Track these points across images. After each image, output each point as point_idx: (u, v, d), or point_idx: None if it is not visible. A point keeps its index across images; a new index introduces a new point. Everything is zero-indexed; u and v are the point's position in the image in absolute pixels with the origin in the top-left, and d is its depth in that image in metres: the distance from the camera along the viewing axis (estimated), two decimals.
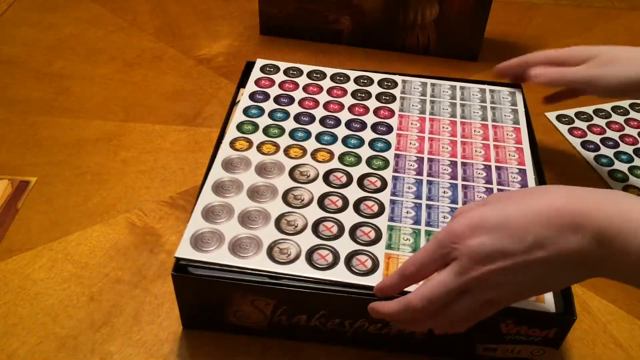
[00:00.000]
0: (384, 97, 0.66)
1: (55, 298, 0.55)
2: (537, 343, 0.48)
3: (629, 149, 0.74)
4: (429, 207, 0.54)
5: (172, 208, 0.64)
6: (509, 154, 0.60)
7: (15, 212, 0.62)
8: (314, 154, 0.58)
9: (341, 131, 0.61)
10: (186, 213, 0.62)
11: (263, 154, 0.58)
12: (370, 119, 0.63)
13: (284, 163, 0.57)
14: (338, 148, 0.59)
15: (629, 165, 0.71)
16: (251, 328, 0.51)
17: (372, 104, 0.65)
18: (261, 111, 0.63)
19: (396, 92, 0.67)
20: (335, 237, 0.50)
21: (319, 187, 0.55)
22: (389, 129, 0.62)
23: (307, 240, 0.50)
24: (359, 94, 0.67)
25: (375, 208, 0.53)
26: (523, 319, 0.46)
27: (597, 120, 0.79)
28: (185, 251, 0.48)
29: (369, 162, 0.58)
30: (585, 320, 0.55)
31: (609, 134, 0.76)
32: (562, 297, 0.47)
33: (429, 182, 0.56)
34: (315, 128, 0.61)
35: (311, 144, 0.59)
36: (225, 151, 0.58)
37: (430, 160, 0.59)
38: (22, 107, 0.76)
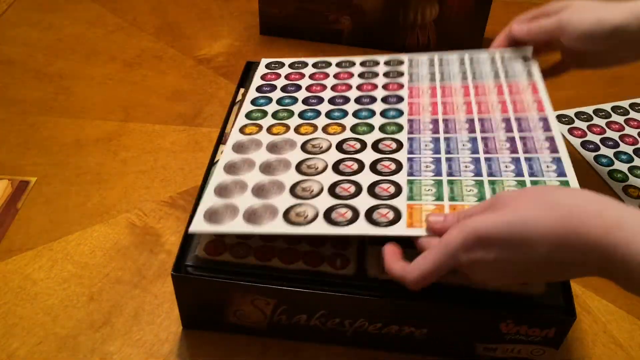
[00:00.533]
0: (391, 74, 0.64)
1: (55, 298, 0.55)
2: (537, 343, 0.48)
3: (629, 149, 0.74)
4: (448, 159, 0.51)
5: (172, 208, 0.64)
6: (528, 104, 0.57)
7: (15, 212, 0.62)
8: (325, 129, 0.57)
9: (351, 107, 0.60)
10: (186, 213, 0.62)
11: (273, 134, 0.57)
12: (379, 93, 0.62)
13: (296, 140, 0.56)
14: (349, 121, 0.58)
15: (628, 165, 0.71)
16: (251, 328, 0.51)
17: (380, 80, 0.64)
18: (269, 100, 0.62)
19: (403, 68, 0.66)
20: (353, 195, 0.49)
21: (332, 156, 0.53)
22: (400, 99, 0.60)
23: (325, 201, 0.48)
24: (365, 75, 0.65)
25: (393, 167, 0.51)
26: (523, 318, 0.46)
27: (597, 120, 0.79)
28: (199, 225, 0.47)
29: (382, 128, 0.56)
30: (585, 320, 0.55)
31: (609, 134, 0.76)
32: (562, 297, 0.47)
33: (447, 139, 0.54)
34: (324, 107, 0.60)
35: (321, 121, 0.58)
36: (235, 136, 0.57)
37: (445, 120, 0.56)
38: (22, 107, 0.76)
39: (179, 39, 0.90)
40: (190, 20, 0.95)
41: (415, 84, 0.62)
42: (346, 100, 0.61)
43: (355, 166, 0.52)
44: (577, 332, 0.54)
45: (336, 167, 0.52)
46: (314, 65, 0.68)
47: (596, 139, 0.76)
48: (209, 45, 0.89)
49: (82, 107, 0.77)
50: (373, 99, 0.61)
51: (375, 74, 0.65)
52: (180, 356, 0.51)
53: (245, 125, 0.58)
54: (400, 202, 0.47)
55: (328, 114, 0.59)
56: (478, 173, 0.49)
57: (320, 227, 0.46)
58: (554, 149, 0.51)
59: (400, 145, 0.54)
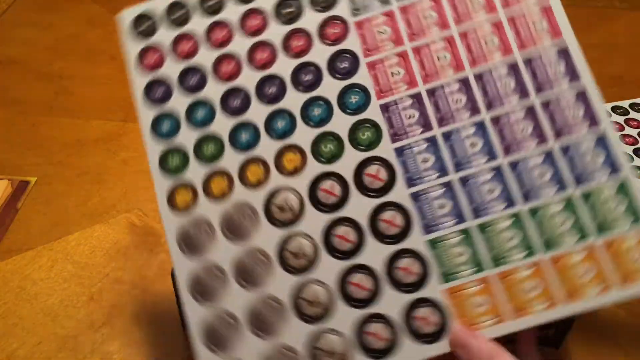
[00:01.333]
0: (322, 3, 0.42)
1: (55, 298, 0.55)
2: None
3: (629, 149, 0.74)
4: (463, 181, 0.37)
5: None
6: (534, 23, 0.39)
7: (15, 212, 0.62)
8: (279, 165, 0.39)
9: (292, 100, 0.40)
10: None
11: (217, 199, 0.40)
12: (319, 53, 0.41)
13: (251, 201, 0.39)
14: (303, 135, 0.40)
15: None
16: None
17: (309, 20, 0.41)
18: (174, 121, 0.42)
19: None
20: (373, 295, 0.37)
21: (314, 222, 0.39)
22: (353, 60, 0.40)
23: (344, 318, 0.37)
24: (283, 12, 0.42)
25: (398, 219, 0.38)
26: None
27: None
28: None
29: (352, 138, 0.39)
30: (585, 320, 0.55)
31: None
32: None
33: (446, 137, 0.38)
34: (256, 113, 0.41)
35: (266, 148, 0.40)
36: (170, 221, 0.40)
37: (431, 93, 0.39)
38: (22, 107, 0.76)
39: None
40: None
41: (362, 13, 0.41)
42: (279, 85, 0.41)
43: (350, 234, 0.38)
44: (577, 332, 0.54)
45: (330, 246, 0.38)
46: (202, 11, 0.43)
47: None
48: None
49: (82, 107, 0.77)
50: (316, 71, 0.41)
51: (299, 7, 0.42)
52: (180, 356, 0.51)
53: (172, 192, 0.41)
54: (433, 290, 0.36)
55: (268, 130, 0.40)
56: (509, 200, 0.37)
57: None
58: (592, 119, 0.37)
59: (389, 170, 0.39)
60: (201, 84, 0.42)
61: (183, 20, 0.44)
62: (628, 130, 0.78)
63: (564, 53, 0.38)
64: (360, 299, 0.37)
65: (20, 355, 0.50)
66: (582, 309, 0.35)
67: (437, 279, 0.36)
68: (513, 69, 0.38)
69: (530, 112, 0.38)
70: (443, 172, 0.38)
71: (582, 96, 0.37)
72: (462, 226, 0.37)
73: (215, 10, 0.43)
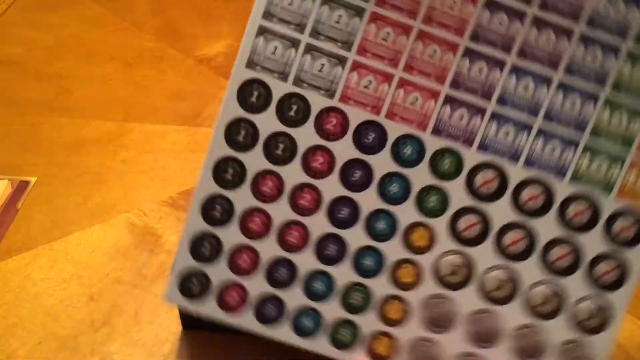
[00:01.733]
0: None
1: (55, 298, 0.55)
2: None
3: None
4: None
5: (172, 208, 0.64)
6: None
7: (15, 212, 0.62)
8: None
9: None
10: (186, 213, 0.62)
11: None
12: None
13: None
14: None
15: None
16: None
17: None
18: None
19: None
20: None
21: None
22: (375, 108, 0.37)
23: None
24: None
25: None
26: None
27: None
28: None
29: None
30: None
31: None
32: None
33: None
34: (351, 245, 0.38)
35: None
36: None
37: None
38: (22, 107, 0.76)
39: (179, 39, 0.90)
40: (190, 20, 0.95)
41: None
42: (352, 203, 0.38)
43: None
44: None
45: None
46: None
47: None
48: (209, 45, 0.89)
49: (82, 107, 0.77)
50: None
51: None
52: (180, 356, 0.51)
53: None
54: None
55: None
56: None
57: None
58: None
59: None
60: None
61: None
62: None
63: None
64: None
65: (20, 355, 0.50)
66: None
67: None
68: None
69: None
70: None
71: None
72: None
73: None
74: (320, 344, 0.38)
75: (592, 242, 0.37)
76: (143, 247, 0.60)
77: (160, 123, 0.75)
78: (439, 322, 0.38)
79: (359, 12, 0.36)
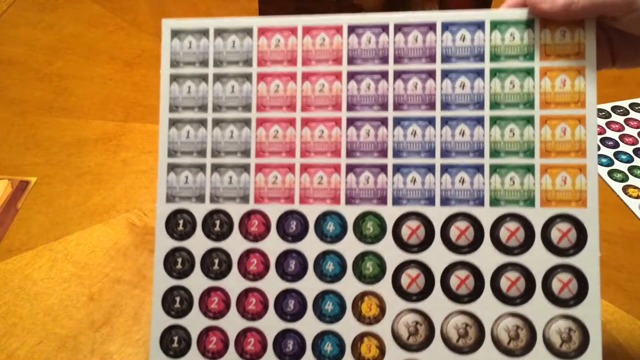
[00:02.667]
0: None
1: (55, 298, 0.55)
2: None
3: (628, 149, 0.74)
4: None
5: None
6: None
7: (15, 212, 0.62)
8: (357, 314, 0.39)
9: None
10: None
11: None
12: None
13: None
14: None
15: (628, 165, 0.71)
16: None
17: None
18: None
19: None
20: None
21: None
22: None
23: None
24: None
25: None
26: None
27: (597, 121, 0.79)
28: None
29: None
30: None
31: (609, 134, 0.76)
32: None
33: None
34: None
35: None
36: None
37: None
38: (22, 107, 0.76)
39: None
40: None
41: None
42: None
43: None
44: None
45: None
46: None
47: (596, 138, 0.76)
48: None
49: (82, 107, 0.77)
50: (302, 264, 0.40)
51: None
52: None
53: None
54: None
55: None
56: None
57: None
58: None
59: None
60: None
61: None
62: (628, 130, 0.78)
63: None
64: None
65: (20, 355, 0.50)
66: None
67: None
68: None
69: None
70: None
71: None
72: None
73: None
74: None
75: (537, 260, 0.37)
76: (143, 247, 0.60)
77: None
78: None
79: (246, 122, 0.40)
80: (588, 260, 0.36)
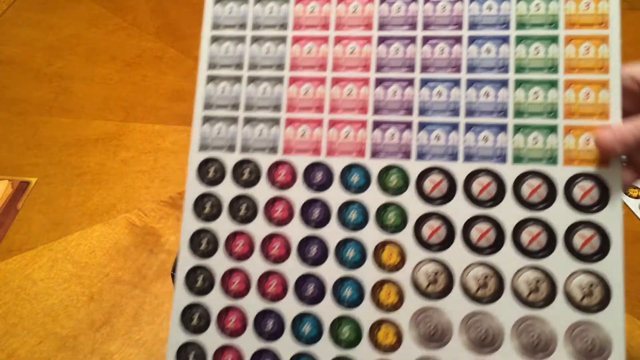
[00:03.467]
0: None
1: (55, 298, 0.55)
2: None
3: None
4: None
5: (172, 208, 0.64)
6: None
7: (16, 213, 0.62)
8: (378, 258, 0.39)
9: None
10: None
11: None
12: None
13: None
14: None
15: None
16: None
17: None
18: None
19: None
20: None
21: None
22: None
23: None
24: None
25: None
26: None
27: None
28: None
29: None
30: None
31: None
32: None
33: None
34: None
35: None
36: None
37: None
38: (22, 107, 0.76)
39: (179, 39, 0.90)
40: (190, 20, 0.95)
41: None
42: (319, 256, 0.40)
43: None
44: None
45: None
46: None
47: None
48: None
49: (82, 107, 0.77)
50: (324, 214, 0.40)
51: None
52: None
53: None
54: None
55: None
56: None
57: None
58: None
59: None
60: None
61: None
62: None
63: None
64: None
65: (20, 355, 0.50)
66: None
67: None
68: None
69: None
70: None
71: None
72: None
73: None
74: None
75: (559, 215, 0.37)
76: (143, 247, 0.60)
77: (160, 123, 0.75)
78: (435, 336, 0.38)
79: (279, 80, 0.42)
80: (611, 218, 0.37)
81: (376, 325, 0.38)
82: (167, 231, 0.61)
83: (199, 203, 0.41)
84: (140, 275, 0.57)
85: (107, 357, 0.50)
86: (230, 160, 0.41)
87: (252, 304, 0.40)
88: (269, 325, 0.40)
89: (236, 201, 0.41)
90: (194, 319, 0.41)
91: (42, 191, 0.65)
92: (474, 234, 0.38)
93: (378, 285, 0.38)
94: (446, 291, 0.38)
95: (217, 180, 0.41)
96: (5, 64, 0.83)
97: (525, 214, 0.37)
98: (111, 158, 0.70)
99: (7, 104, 0.77)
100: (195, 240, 0.41)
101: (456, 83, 0.40)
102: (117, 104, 0.78)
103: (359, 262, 0.39)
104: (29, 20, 0.93)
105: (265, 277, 0.40)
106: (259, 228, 0.40)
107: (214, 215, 0.41)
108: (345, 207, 0.39)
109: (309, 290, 0.39)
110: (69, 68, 0.83)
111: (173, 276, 0.48)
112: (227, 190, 0.41)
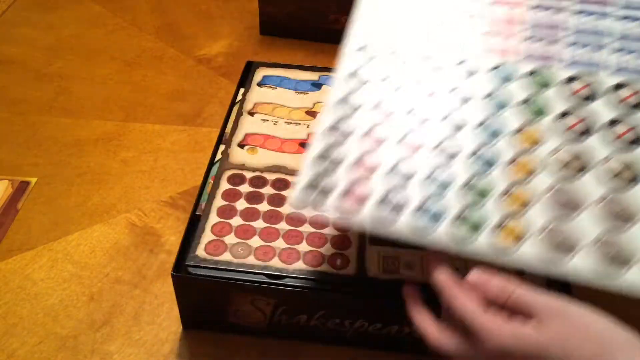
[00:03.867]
0: None
1: (55, 298, 0.55)
2: None
3: None
4: None
5: (172, 208, 0.64)
6: None
7: (15, 213, 0.62)
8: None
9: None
10: (186, 213, 0.62)
11: None
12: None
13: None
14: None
15: None
16: (251, 328, 0.51)
17: None
18: None
19: None
20: None
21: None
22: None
23: None
24: None
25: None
26: None
27: None
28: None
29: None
30: None
31: None
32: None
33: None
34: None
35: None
36: None
37: None
38: (22, 107, 0.76)
39: (179, 39, 0.90)
40: (190, 20, 0.95)
41: None
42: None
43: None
44: None
45: None
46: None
47: None
48: (209, 45, 0.89)
49: (82, 107, 0.77)
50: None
51: None
52: (180, 356, 0.51)
53: None
54: None
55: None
56: None
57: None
58: None
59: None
60: None
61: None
62: None
63: None
64: None
65: (20, 355, 0.50)
66: None
67: None
68: None
69: None
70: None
71: None
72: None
73: None
74: (445, 230, 0.38)
75: None
76: (143, 247, 0.60)
77: (160, 123, 0.75)
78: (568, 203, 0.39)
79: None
80: None
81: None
82: (167, 231, 0.61)
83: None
84: (140, 275, 0.57)
85: (107, 357, 0.50)
86: None
87: (392, 152, 0.42)
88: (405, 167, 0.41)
89: None
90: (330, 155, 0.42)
91: (42, 191, 0.65)
92: (615, 131, 0.41)
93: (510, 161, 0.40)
94: (580, 175, 0.40)
95: None
96: (5, 64, 0.83)
97: None
98: (111, 158, 0.70)
99: (7, 104, 0.77)
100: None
101: (605, 15, 0.46)
102: (117, 104, 0.78)
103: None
104: (29, 20, 0.93)
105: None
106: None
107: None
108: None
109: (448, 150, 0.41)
110: (69, 68, 0.83)
111: (173, 276, 0.48)
112: None
